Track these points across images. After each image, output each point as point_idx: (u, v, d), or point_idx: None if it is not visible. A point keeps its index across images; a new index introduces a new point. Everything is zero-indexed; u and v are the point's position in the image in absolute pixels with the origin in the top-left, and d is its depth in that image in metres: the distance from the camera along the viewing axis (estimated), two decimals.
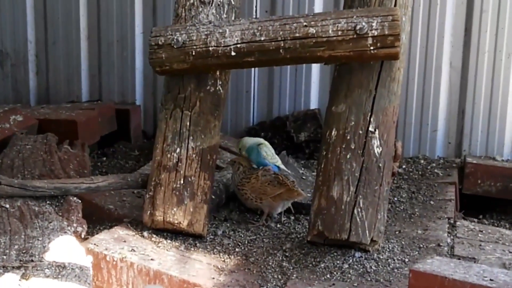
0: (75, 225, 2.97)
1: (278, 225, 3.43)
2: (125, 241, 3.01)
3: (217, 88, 3.25)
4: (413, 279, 2.39)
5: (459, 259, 3.02)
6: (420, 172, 4.20)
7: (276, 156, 3.54)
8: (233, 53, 3.06)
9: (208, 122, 3.22)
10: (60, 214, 3.05)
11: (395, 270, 2.91)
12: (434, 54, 4.34)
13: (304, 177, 3.96)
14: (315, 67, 4.56)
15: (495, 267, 2.77)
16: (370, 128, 3.06)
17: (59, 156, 3.63)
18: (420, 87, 4.40)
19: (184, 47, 3.10)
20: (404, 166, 4.27)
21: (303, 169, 4.09)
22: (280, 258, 3.06)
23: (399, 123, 4.46)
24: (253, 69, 4.61)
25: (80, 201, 3.14)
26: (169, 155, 3.17)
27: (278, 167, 3.47)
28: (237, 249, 3.14)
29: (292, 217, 3.52)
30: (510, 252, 3.14)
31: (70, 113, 4.35)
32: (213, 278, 2.83)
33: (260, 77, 4.66)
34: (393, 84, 3.12)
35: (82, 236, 2.97)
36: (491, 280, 2.33)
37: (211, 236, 3.25)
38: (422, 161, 4.36)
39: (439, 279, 2.35)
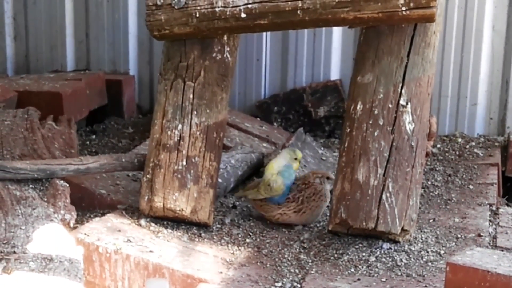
0: (62, 212, 3.00)
1: None
2: (119, 231, 3.04)
3: (225, 55, 3.26)
4: (450, 273, 2.41)
5: (502, 250, 3.03)
6: (457, 152, 4.21)
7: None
8: (243, 15, 3.06)
9: (214, 94, 3.24)
10: (45, 199, 3.08)
11: (429, 264, 2.93)
12: (475, 16, 4.33)
13: (324, 158, 3.98)
14: (337, 31, 4.55)
15: None
16: (401, 101, 3.06)
17: (42, 134, 3.64)
18: (458, 54, 4.40)
19: (187, 8, 3.10)
20: (439, 145, 4.27)
21: (322, 148, 4.11)
22: (297, 250, 3.08)
23: (433, 96, 4.44)
24: (264, 33, 4.61)
25: (67, 185, 3.16)
26: (169, 133, 3.19)
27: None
28: (248, 240, 3.17)
29: None
30: None
31: (54, 84, 4.36)
32: (221, 273, 2.86)
33: (273, 43, 4.66)
34: (428, 50, 3.11)
35: (71, 224, 3.00)
36: None
37: (218, 225, 3.28)
38: (459, 140, 4.37)
39: (481, 273, 2.36)
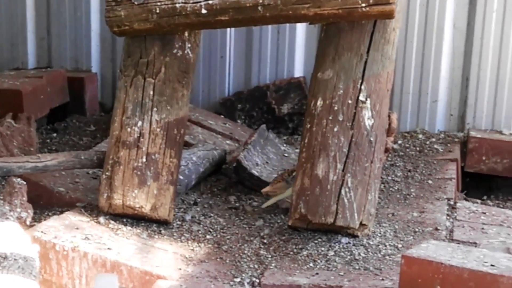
0: (19, 210, 2.98)
1: (256, 209, 3.47)
2: (77, 228, 3.03)
3: (186, 51, 3.27)
4: (405, 265, 2.45)
5: (458, 243, 3.07)
6: (417, 148, 4.25)
7: None
8: (203, 11, 3.07)
9: (175, 91, 3.24)
10: (1, 197, 3.05)
11: (387, 257, 2.97)
12: (436, 14, 4.38)
13: (286, 155, 4.00)
14: (301, 28, 4.58)
15: (498, 251, 2.83)
16: (361, 97, 3.10)
17: (1, 131, 3.63)
18: (419, 51, 4.44)
19: (147, 3, 3.10)
20: (400, 142, 4.32)
21: (285, 145, 4.13)
22: (257, 245, 3.10)
23: (395, 92, 4.50)
24: (228, 30, 4.62)
25: (25, 183, 3.13)
26: (129, 129, 3.19)
27: None
28: (208, 236, 3.18)
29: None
30: None
31: (14, 82, 4.33)
32: (180, 269, 2.87)
33: (237, 40, 4.67)
34: (388, 47, 3.15)
35: (28, 222, 2.98)
36: (492, 265, 2.39)
37: (179, 222, 3.28)
38: (420, 136, 4.42)
39: (434, 265, 2.41)
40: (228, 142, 4.30)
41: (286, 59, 4.60)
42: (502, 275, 2.35)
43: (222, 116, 4.63)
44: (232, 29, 4.58)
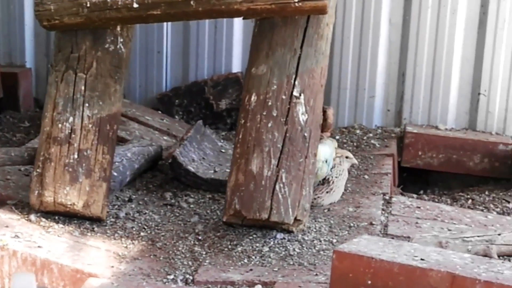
0: None
1: (192, 205, 3.45)
2: (7, 226, 2.97)
3: (118, 46, 3.23)
4: (337, 260, 2.46)
5: (392, 238, 3.11)
6: (355, 143, 4.29)
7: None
8: (135, 5, 3.04)
9: (107, 86, 3.20)
10: None
11: (321, 252, 2.98)
12: (372, 9, 4.42)
13: (223, 150, 3.99)
14: (238, 23, 4.57)
15: (430, 245, 2.87)
16: (295, 93, 3.10)
17: None
18: (356, 47, 4.48)
19: None
20: (337, 137, 4.34)
21: (222, 141, 4.12)
22: (192, 242, 3.08)
23: (332, 88, 4.54)
24: (165, 25, 4.59)
25: None
26: (60, 125, 3.14)
27: None
28: (142, 233, 3.15)
29: (209, 196, 3.55)
30: (448, 229, 3.26)
31: None
32: (112, 267, 2.83)
33: (174, 35, 4.64)
34: (321, 42, 3.16)
35: None
36: (422, 259, 2.42)
37: (112, 219, 3.24)
38: (358, 131, 4.46)
39: (365, 259, 2.42)
40: (165, 138, 4.27)
41: (224, 54, 4.60)
42: (431, 269, 2.37)
43: (160, 112, 4.60)
44: (169, 23, 4.55)
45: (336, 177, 3.45)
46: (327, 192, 3.45)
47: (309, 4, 2.99)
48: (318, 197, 3.44)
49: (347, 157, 3.49)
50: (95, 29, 3.16)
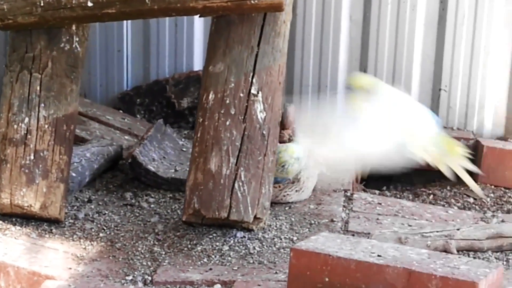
0: None
1: (152, 205, 3.43)
2: None
3: (74, 45, 3.21)
4: (294, 258, 2.47)
5: (353, 235, 3.13)
6: None
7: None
8: (89, 4, 3.02)
9: (63, 86, 3.18)
10: None
11: (281, 250, 2.99)
12: (333, 6, 4.42)
13: (184, 149, 3.97)
14: (199, 21, 4.55)
15: (390, 241, 2.89)
16: (252, 91, 3.10)
17: None
18: (317, 44, 4.48)
19: None
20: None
21: (183, 139, 4.10)
22: (152, 242, 3.07)
23: (294, 85, 4.54)
24: (125, 23, 4.56)
25: None
26: (15, 126, 3.11)
27: None
28: (101, 234, 3.13)
29: (169, 195, 3.54)
30: (409, 225, 3.28)
31: None
32: (70, 269, 2.81)
33: (134, 33, 4.61)
34: (278, 39, 3.16)
35: None
36: (379, 256, 2.43)
37: (71, 220, 3.22)
38: None
39: (322, 257, 2.43)
40: (126, 137, 4.24)
41: (185, 52, 4.57)
42: (388, 265, 2.39)
43: (121, 111, 4.56)
44: (129, 22, 4.52)
45: (307, 178, 3.45)
46: (296, 191, 3.45)
47: (265, 1, 2.99)
48: (288, 194, 3.43)
49: (320, 162, 3.50)
50: (50, 28, 3.14)
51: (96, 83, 4.63)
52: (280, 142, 3.67)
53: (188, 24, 4.53)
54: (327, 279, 2.44)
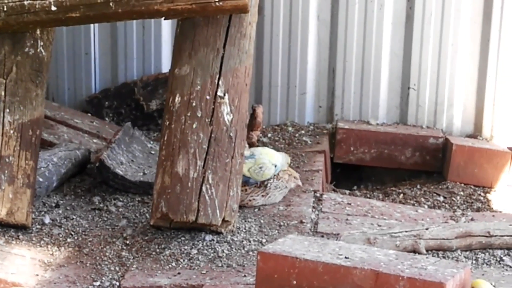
0: None
1: (120, 209, 3.42)
2: None
3: (38, 50, 3.19)
4: (261, 262, 2.47)
5: (322, 236, 3.14)
6: (286, 141, 4.31)
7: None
8: (53, 8, 3.00)
9: (28, 91, 3.16)
10: None
11: (250, 253, 2.99)
12: (300, 6, 4.44)
13: (153, 152, 3.96)
14: (167, 23, 4.54)
15: (359, 242, 2.90)
16: (219, 93, 3.10)
17: None
18: (285, 44, 4.49)
19: None
20: (270, 135, 4.36)
21: (152, 142, 4.09)
22: (120, 247, 3.06)
23: (263, 85, 4.55)
24: (92, 26, 4.54)
25: None
26: None
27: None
28: (69, 240, 3.12)
29: (138, 199, 3.53)
30: (378, 225, 3.30)
31: None
32: (37, 275, 2.80)
33: (102, 36, 4.59)
34: (244, 41, 3.16)
35: None
36: (346, 258, 2.44)
37: (38, 226, 3.20)
38: (290, 128, 4.48)
39: (290, 260, 2.43)
40: (95, 141, 4.22)
41: (153, 54, 4.57)
42: (355, 267, 2.40)
43: (89, 114, 4.54)
44: (96, 25, 4.50)
45: (275, 187, 3.46)
46: (262, 196, 3.45)
47: (230, 3, 2.99)
48: (253, 199, 3.43)
49: (295, 177, 3.54)
50: (14, 33, 3.11)
51: (64, 87, 4.61)
52: (249, 144, 3.69)
53: (156, 26, 4.53)
54: (294, 282, 2.45)
